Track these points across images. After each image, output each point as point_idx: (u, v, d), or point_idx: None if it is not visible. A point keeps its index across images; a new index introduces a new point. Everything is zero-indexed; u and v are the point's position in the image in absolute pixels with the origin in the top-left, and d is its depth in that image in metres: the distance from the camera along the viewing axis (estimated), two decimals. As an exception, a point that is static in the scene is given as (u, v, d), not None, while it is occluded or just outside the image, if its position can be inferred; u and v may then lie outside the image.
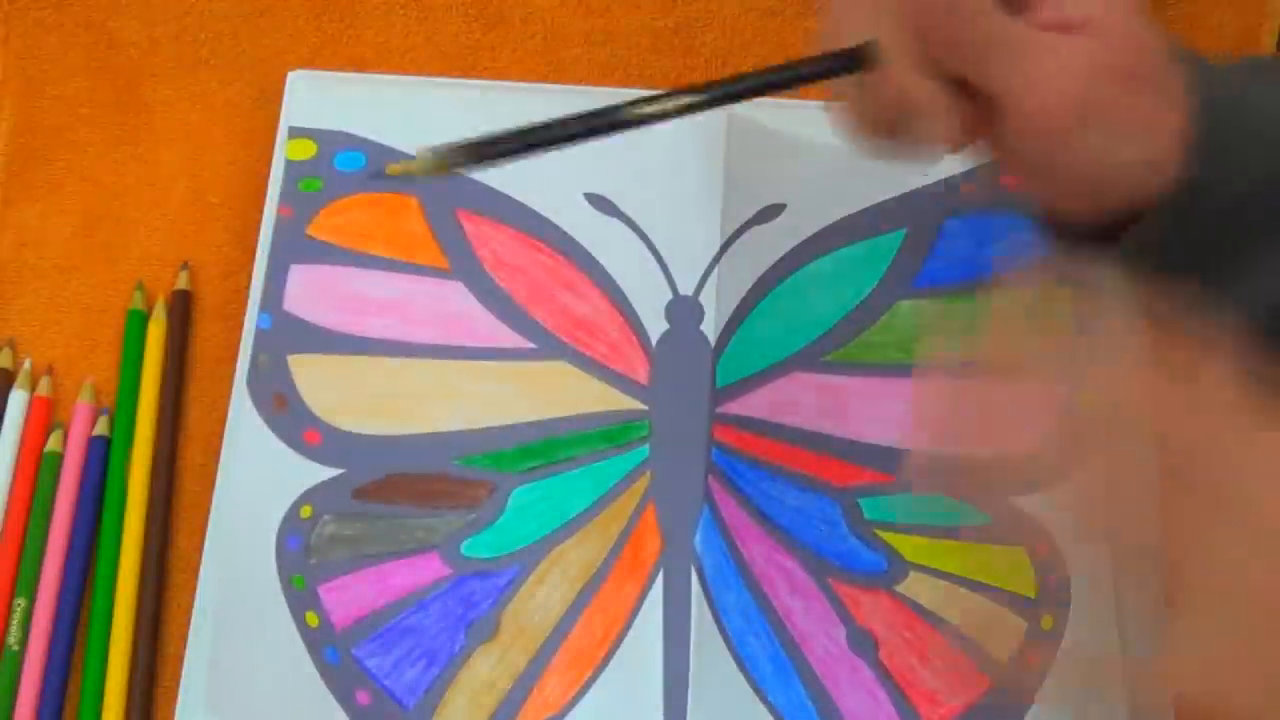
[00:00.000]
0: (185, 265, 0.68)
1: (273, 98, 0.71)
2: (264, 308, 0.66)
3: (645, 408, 0.65)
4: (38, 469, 0.65)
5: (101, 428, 0.65)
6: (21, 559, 0.63)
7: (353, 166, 0.69)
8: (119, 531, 0.64)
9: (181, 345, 0.67)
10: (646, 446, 0.65)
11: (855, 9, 0.54)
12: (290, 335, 0.66)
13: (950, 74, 0.52)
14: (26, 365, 0.67)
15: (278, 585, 0.62)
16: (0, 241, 0.69)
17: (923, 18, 0.51)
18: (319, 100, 0.70)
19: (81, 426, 0.65)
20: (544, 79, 0.72)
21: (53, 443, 0.65)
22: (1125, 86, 0.51)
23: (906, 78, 0.52)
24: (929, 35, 0.51)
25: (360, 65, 0.72)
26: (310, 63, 0.72)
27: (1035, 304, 0.52)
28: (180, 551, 0.64)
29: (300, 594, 0.62)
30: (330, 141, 0.69)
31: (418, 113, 0.70)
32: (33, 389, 0.66)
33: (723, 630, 0.62)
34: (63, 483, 0.64)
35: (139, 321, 0.67)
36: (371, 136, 0.70)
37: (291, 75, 0.71)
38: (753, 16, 0.74)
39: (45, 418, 0.66)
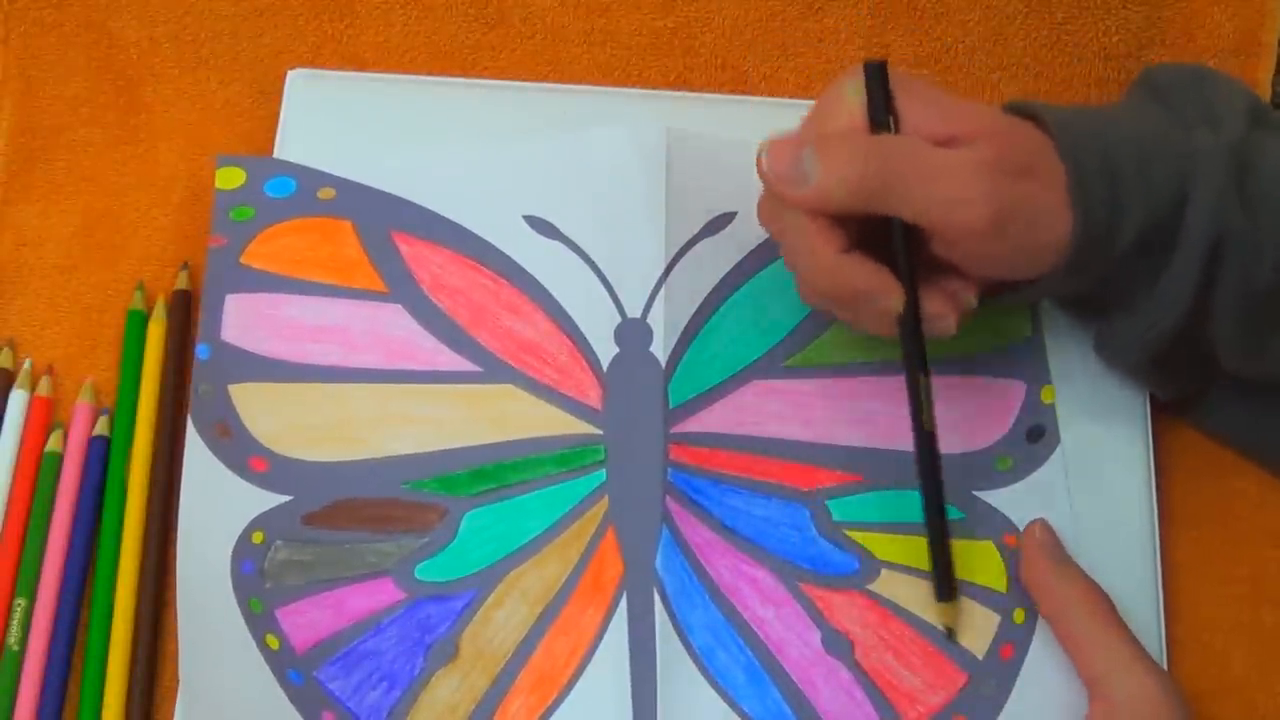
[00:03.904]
0: (185, 265, 0.68)
1: (272, 97, 0.70)
2: (202, 338, 0.65)
3: (599, 432, 0.65)
4: (38, 469, 0.65)
5: (101, 428, 0.65)
6: (21, 559, 0.63)
7: (283, 192, 0.68)
8: (119, 531, 0.64)
9: (181, 345, 0.67)
10: (604, 470, 0.64)
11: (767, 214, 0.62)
12: (230, 365, 0.65)
13: (881, 214, 0.59)
14: (26, 365, 0.67)
15: (238, 609, 0.62)
16: (0, 241, 0.69)
17: (871, 163, 0.58)
18: (318, 100, 0.70)
19: (81, 426, 0.65)
20: (544, 79, 0.72)
21: (53, 443, 0.65)
22: (1019, 182, 0.59)
23: (842, 266, 0.59)
24: (867, 183, 0.58)
25: (360, 65, 0.72)
26: (310, 62, 0.72)
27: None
28: (180, 551, 0.64)
29: (259, 617, 0.62)
30: (259, 168, 0.68)
31: (417, 112, 0.70)
32: (33, 389, 0.66)
33: (689, 648, 0.62)
34: (63, 483, 0.65)
35: (139, 321, 0.67)
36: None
37: (291, 75, 0.71)
38: (753, 16, 0.74)
39: (45, 418, 0.66)
